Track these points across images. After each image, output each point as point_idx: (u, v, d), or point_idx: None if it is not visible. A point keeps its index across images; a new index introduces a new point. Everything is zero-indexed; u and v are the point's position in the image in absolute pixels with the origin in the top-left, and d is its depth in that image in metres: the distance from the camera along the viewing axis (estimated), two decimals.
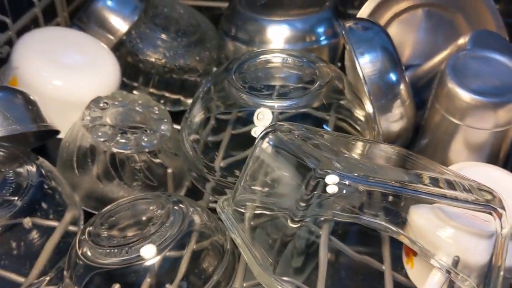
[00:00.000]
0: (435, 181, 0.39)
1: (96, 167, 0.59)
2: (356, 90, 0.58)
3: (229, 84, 0.56)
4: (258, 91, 0.56)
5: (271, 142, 0.45)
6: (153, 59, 0.74)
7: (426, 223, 0.49)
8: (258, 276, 0.42)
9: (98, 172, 0.59)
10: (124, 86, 0.74)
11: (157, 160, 0.60)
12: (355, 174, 0.36)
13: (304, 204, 0.39)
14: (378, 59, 0.54)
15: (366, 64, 0.52)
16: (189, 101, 0.76)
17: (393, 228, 0.47)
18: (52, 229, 0.52)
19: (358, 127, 0.55)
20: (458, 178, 0.41)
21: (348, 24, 0.57)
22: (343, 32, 0.56)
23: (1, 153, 0.52)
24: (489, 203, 0.38)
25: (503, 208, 0.39)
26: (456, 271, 0.45)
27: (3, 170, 0.51)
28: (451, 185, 0.39)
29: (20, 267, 0.51)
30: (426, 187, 0.38)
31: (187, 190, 0.64)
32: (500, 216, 0.38)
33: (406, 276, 0.54)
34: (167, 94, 0.77)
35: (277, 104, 0.54)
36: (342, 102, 0.55)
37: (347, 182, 0.35)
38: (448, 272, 0.45)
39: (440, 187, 0.38)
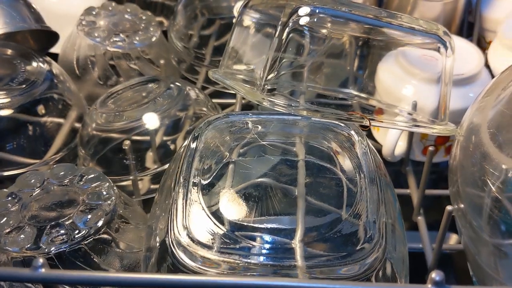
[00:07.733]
0: (397, 18, 0.46)
1: (96, 68, 0.65)
2: None
3: None
4: None
5: (251, 10, 0.52)
6: None
7: (391, 78, 0.56)
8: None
9: (99, 73, 0.65)
10: None
11: (148, 57, 0.67)
12: (326, 6, 0.42)
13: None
14: None
15: None
16: None
17: (363, 95, 0.55)
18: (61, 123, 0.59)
19: None
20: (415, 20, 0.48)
21: None
22: None
23: (15, 49, 0.59)
24: (437, 33, 0.46)
25: (448, 35, 0.46)
26: (415, 112, 0.53)
27: (15, 62, 0.57)
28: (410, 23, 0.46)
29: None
30: (390, 19, 0.45)
31: None
32: (445, 42, 0.46)
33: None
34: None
35: None
36: None
37: (317, 11, 0.42)
38: (409, 114, 0.53)
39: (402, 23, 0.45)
